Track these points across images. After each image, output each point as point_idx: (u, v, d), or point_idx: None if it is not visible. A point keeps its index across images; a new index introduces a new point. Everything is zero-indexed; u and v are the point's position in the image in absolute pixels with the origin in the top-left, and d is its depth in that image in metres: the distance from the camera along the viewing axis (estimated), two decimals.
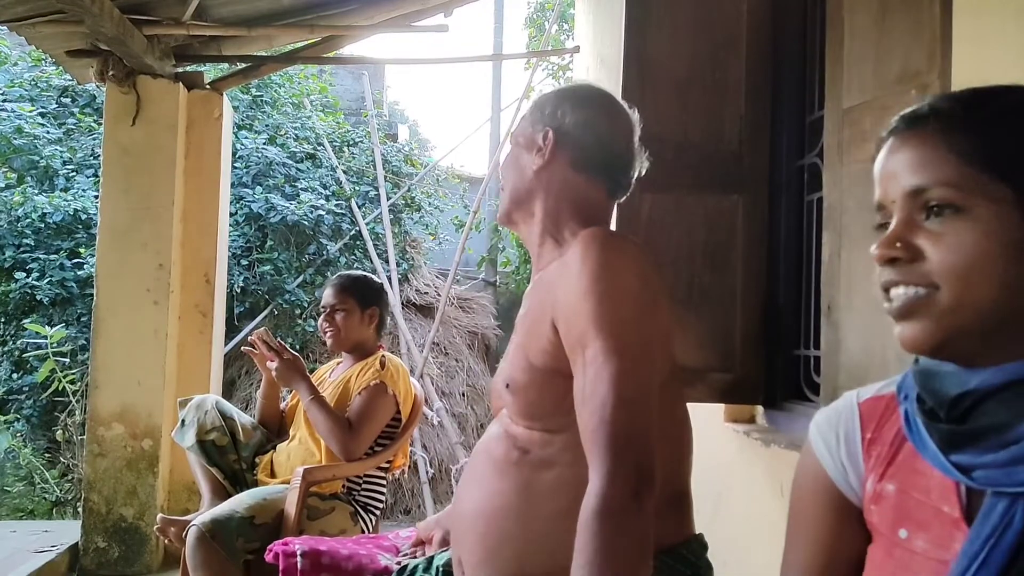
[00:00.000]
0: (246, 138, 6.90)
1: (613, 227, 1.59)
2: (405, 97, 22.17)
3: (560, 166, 1.38)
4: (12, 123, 6.38)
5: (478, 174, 9.17)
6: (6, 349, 6.20)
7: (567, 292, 1.21)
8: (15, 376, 6.08)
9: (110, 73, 3.86)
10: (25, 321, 5.85)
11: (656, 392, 1.17)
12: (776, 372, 2.50)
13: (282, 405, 3.07)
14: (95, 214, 5.63)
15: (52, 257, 6.13)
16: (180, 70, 4.16)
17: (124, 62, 3.85)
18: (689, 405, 1.41)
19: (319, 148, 7.45)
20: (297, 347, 6.28)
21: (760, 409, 2.61)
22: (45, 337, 5.26)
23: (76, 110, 6.93)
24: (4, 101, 6.57)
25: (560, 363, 1.23)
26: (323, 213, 6.78)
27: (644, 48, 2.45)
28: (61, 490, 5.44)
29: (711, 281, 2.45)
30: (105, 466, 3.86)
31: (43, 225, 6.19)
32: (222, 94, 4.28)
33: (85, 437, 4.04)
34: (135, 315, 3.90)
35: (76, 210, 6.21)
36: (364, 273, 3.06)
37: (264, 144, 7.00)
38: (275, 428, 3.01)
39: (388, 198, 7.32)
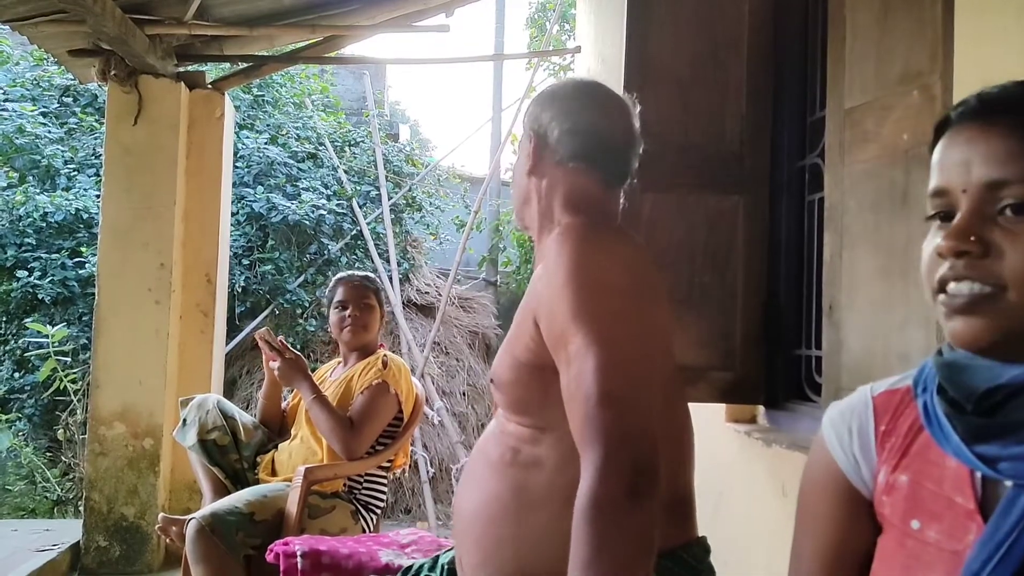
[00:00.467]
0: (247, 138, 6.90)
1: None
2: (406, 97, 22.17)
3: (547, 165, 1.38)
4: (14, 123, 6.38)
5: (479, 174, 9.18)
6: (8, 348, 6.21)
7: (546, 287, 1.20)
8: (16, 375, 6.09)
9: (112, 73, 3.87)
10: (27, 320, 5.85)
11: (655, 384, 1.14)
12: (777, 372, 2.49)
13: (283, 404, 3.07)
14: (96, 213, 5.63)
15: (54, 256, 6.13)
16: (182, 70, 4.17)
17: (126, 62, 3.85)
18: (690, 405, 1.40)
19: (320, 148, 7.46)
20: (298, 347, 6.29)
21: (761, 409, 2.61)
22: (46, 336, 5.26)
23: (78, 110, 6.93)
24: (6, 100, 6.57)
25: (542, 358, 1.21)
26: (324, 213, 6.78)
27: (645, 48, 2.45)
28: (62, 489, 5.44)
29: (712, 281, 2.44)
30: (106, 465, 3.87)
31: (44, 224, 6.19)
32: (224, 94, 4.28)
33: (86, 436, 4.05)
34: (136, 314, 3.90)
35: (78, 209, 6.22)
36: (370, 274, 3.08)
37: (265, 144, 7.01)
38: (276, 427, 3.01)
39: (389, 198, 7.32)
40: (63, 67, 4.65)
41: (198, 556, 2.41)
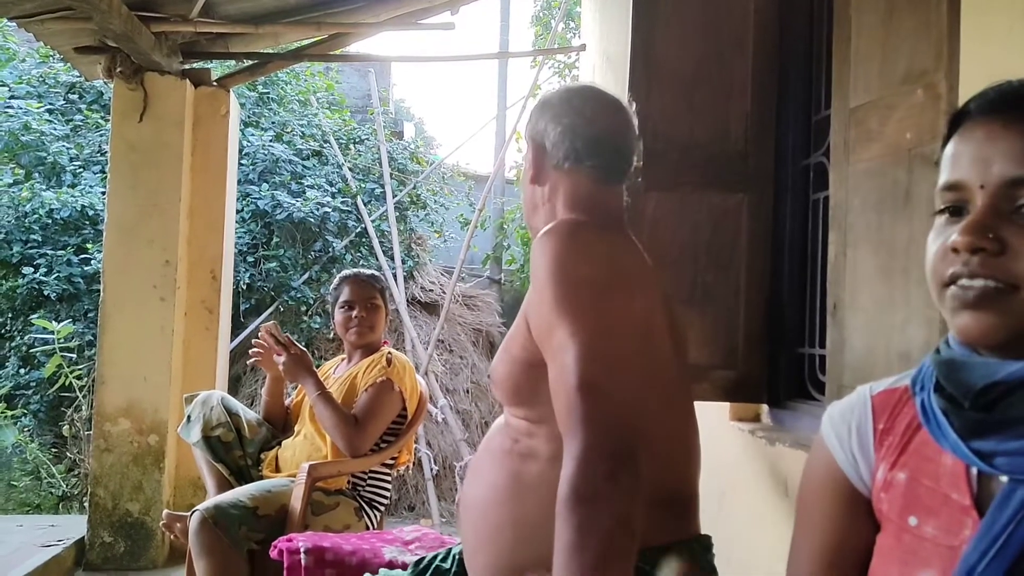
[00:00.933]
0: (252, 135, 6.91)
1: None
2: (411, 95, 22.17)
3: (547, 170, 1.41)
4: (20, 119, 6.40)
5: (483, 172, 9.17)
6: (13, 344, 6.23)
7: (533, 286, 1.24)
8: (22, 371, 6.11)
9: (118, 70, 3.88)
10: (32, 317, 5.87)
11: (635, 373, 1.15)
12: (780, 371, 2.50)
13: (287, 401, 3.08)
14: (102, 210, 5.65)
15: (59, 253, 6.15)
16: (187, 67, 4.18)
17: (132, 59, 3.86)
18: (695, 404, 1.41)
19: (325, 145, 7.46)
20: (303, 344, 6.30)
21: (765, 408, 2.61)
22: (52, 333, 5.28)
23: (83, 106, 6.95)
24: (11, 98, 6.59)
25: (533, 355, 1.24)
26: (329, 210, 6.79)
27: (651, 47, 2.45)
28: (67, 485, 5.46)
29: (715, 279, 2.45)
30: (111, 461, 3.88)
31: (50, 221, 6.21)
32: (229, 91, 4.29)
33: (91, 432, 4.06)
34: (141, 311, 3.92)
35: (83, 206, 6.23)
36: (376, 273, 3.09)
37: (270, 141, 7.02)
38: (280, 424, 3.02)
39: (394, 195, 7.33)
40: (69, 64, 4.67)
41: (201, 548, 2.42)
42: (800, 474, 0.98)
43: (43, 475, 5.46)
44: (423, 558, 1.58)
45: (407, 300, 7.02)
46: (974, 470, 0.79)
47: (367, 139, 7.76)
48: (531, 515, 1.25)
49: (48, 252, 6.16)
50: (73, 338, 5.53)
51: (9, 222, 6.23)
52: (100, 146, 6.68)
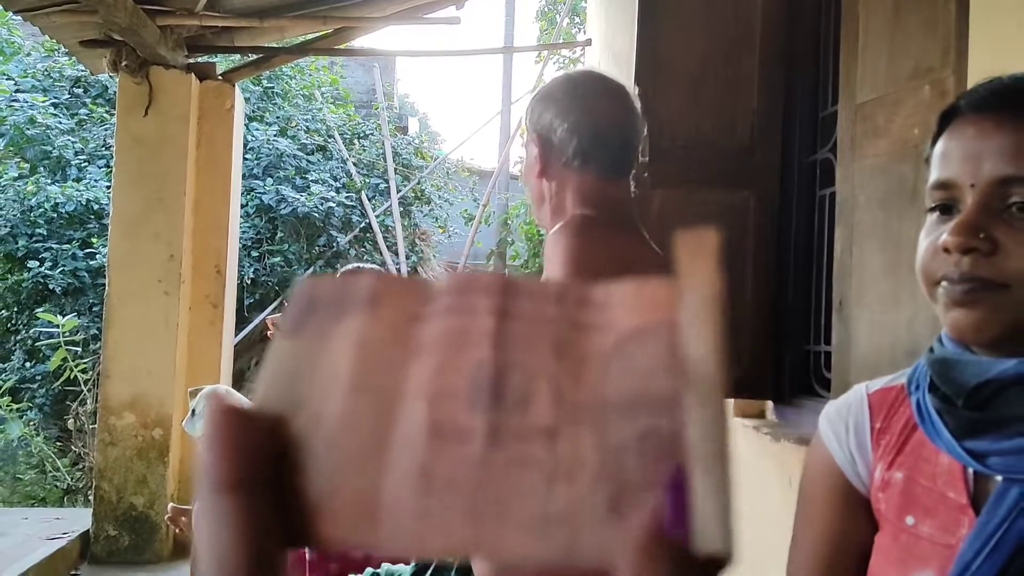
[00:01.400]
0: (257, 129, 6.92)
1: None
2: (416, 90, 22.17)
3: (552, 166, 1.40)
4: (25, 113, 6.41)
5: (488, 167, 9.18)
6: (19, 338, 6.24)
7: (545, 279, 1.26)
8: (28, 365, 6.13)
9: (123, 63, 3.88)
10: (37, 310, 5.88)
11: None
12: (785, 367, 2.49)
13: None
14: (107, 204, 5.65)
15: (64, 247, 6.17)
16: (192, 61, 4.18)
17: (137, 52, 3.86)
18: None
19: (330, 140, 7.47)
20: None
21: (770, 404, 2.60)
22: (57, 326, 5.29)
23: (88, 101, 6.96)
24: (17, 91, 6.60)
25: None
26: (333, 205, 6.79)
27: (656, 43, 2.44)
28: (72, 478, 5.47)
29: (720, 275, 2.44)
30: (116, 455, 3.89)
31: (56, 215, 6.22)
32: (234, 85, 4.29)
33: (96, 426, 4.07)
34: (146, 305, 3.92)
35: (88, 200, 6.25)
36: (367, 266, 3.06)
37: (275, 136, 7.02)
38: None
39: (398, 190, 7.33)
40: (74, 58, 4.67)
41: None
42: (802, 469, 0.98)
43: (48, 468, 5.48)
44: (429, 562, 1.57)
45: None
46: (971, 469, 0.79)
47: (371, 134, 7.77)
48: None
49: (53, 246, 6.17)
50: (78, 332, 5.54)
51: (15, 216, 6.24)
52: (105, 140, 6.68)
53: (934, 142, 0.83)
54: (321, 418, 0.28)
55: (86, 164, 6.65)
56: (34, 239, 6.22)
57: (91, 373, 5.38)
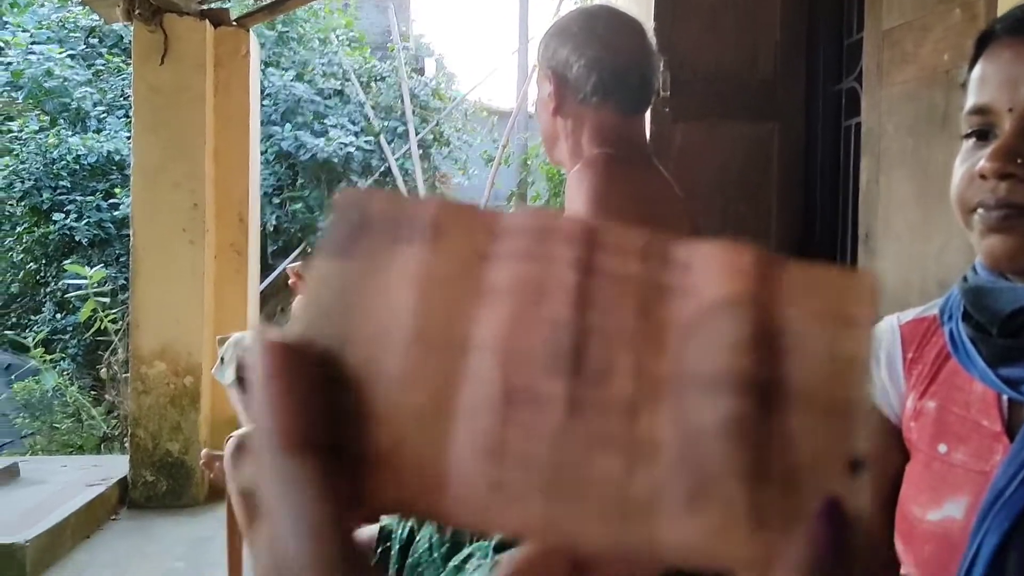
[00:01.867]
0: (273, 75, 6.87)
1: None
2: (431, 30, 21.85)
3: (569, 103, 1.37)
4: (42, 66, 6.39)
5: (506, 107, 9.07)
6: (48, 290, 6.34)
7: None
8: (58, 316, 6.23)
9: (136, 12, 3.84)
10: (65, 262, 5.96)
11: None
12: None
13: None
14: (128, 155, 5.66)
15: (88, 199, 6.21)
16: (206, 7, 4.13)
17: (150, 0, 3.82)
18: None
19: (346, 84, 7.41)
20: None
21: None
22: (85, 278, 5.35)
23: (104, 51, 6.94)
24: (33, 43, 6.58)
25: None
26: (352, 150, 6.77)
27: None
28: (108, 426, 5.60)
29: (746, 211, 2.42)
30: (149, 403, 3.97)
31: (78, 167, 6.26)
32: (248, 31, 4.24)
33: (129, 375, 4.15)
34: (172, 255, 3.95)
35: (109, 151, 6.27)
36: None
37: (292, 81, 6.97)
38: None
39: (416, 133, 7.28)
40: (87, 7, 4.63)
41: (236, 473, 2.47)
42: None
43: (83, 417, 5.60)
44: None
45: None
46: (1005, 397, 0.78)
47: (388, 76, 7.69)
48: None
49: (77, 198, 6.22)
50: (106, 282, 5.61)
51: (38, 169, 6.28)
52: (123, 90, 6.67)
53: (970, 67, 0.80)
54: (377, 362, 0.25)
55: (105, 115, 6.65)
56: (58, 192, 6.27)
57: (121, 323, 5.46)
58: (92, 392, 5.89)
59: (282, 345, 0.23)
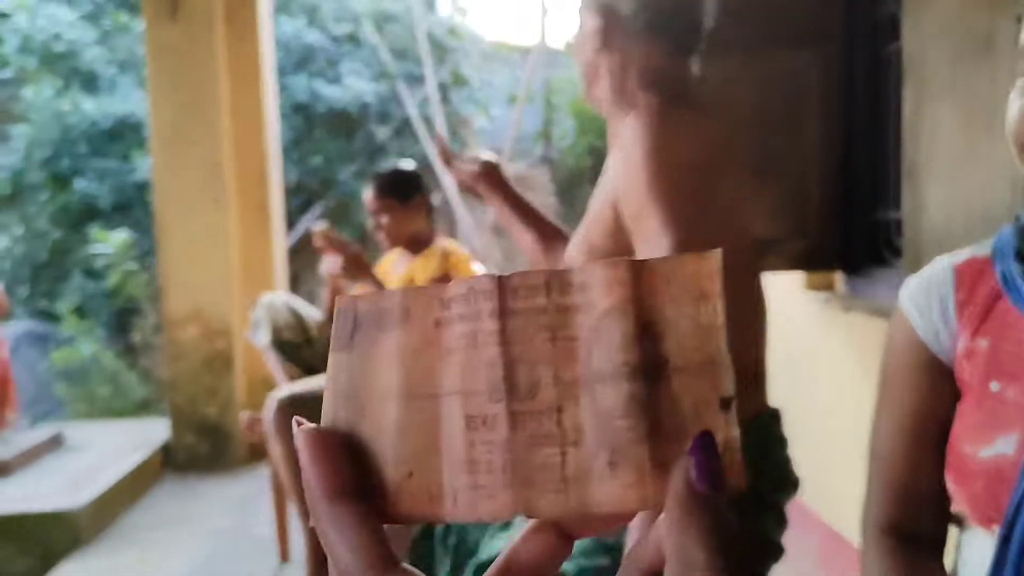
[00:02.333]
0: (284, 23, 6.75)
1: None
2: None
3: (618, 40, 1.31)
4: (51, 29, 6.33)
5: (527, 43, 8.86)
6: (75, 258, 6.38)
7: (624, 169, 1.19)
8: (88, 284, 6.28)
9: None
10: (89, 229, 5.98)
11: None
12: (855, 237, 2.41)
13: None
14: (143, 116, 5.63)
15: (107, 163, 6.20)
16: None
17: None
18: (768, 275, 1.37)
19: (359, 27, 7.26)
20: (356, 238, 6.32)
21: (840, 275, 2.54)
22: (111, 245, 5.37)
23: (111, 9, 6.84)
24: (40, 5, 6.50)
25: (622, 247, 1.21)
26: (369, 98, 6.67)
27: None
28: (145, 391, 5.68)
29: (784, 145, 2.34)
30: (184, 367, 3.99)
31: (94, 132, 6.23)
32: None
33: (162, 340, 4.17)
34: (195, 217, 3.93)
35: (124, 114, 6.23)
36: (396, 166, 2.92)
37: (304, 28, 6.85)
38: None
39: (434, 75, 7.14)
40: None
41: (277, 434, 2.49)
42: (877, 341, 0.98)
43: (121, 383, 5.68)
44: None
45: (457, 187, 6.96)
46: None
47: (402, 16, 7.52)
48: None
49: (96, 163, 6.21)
50: (131, 248, 5.63)
51: (55, 136, 6.26)
52: (131, 50, 6.60)
53: None
54: (384, 421, 0.34)
55: (117, 76, 6.60)
56: (77, 158, 6.26)
57: (149, 288, 5.49)
58: (126, 358, 5.96)
59: (315, 435, 0.34)
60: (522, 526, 0.35)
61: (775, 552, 1.31)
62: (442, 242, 2.82)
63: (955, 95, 1.81)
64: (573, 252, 1.34)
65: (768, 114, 2.32)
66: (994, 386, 0.83)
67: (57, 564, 3.01)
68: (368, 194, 2.78)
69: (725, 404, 0.31)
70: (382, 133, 6.84)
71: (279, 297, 2.96)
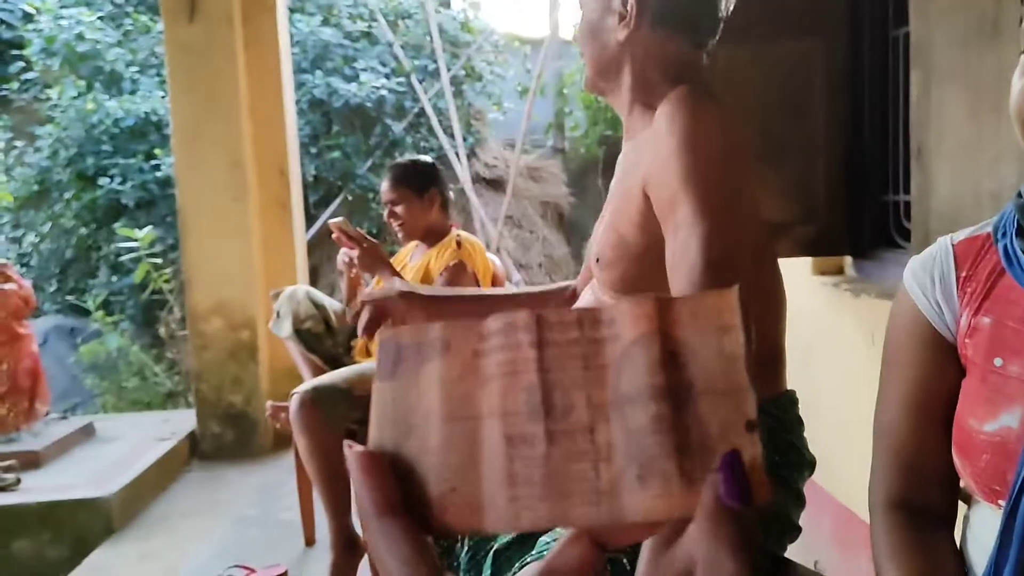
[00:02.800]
0: (300, 21, 6.82)
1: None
2: None
3: (643, 29, 1.28)
4: (73, 30, 6.43)
5: (537, 36, 8.89)
6: (101, 254, 6.49)
7: (657, 157, 1.17)
8: (113, 279, 6.38)
9: None
10: (115, 226, 6.08)
11: (746, 253, 1.15)
12: (863, 221, 2.43)
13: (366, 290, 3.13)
14: (165, 115, 5.71)
15: (131, 161, 6.29)
16: None
17: None
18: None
19: (374, 24, 7.32)
20: (373, 232, 6.38)
21: (848, 259, 2.56)
22: (136, 240, 5.46)
23: (131, 10, 6.93)
24: (62, 8, 6.60)
25: (651, 236, 1.20)
26: (385, 93, 6.73)
27: None
28: (172, 383, 5.77)
29: (791, 130, 2.36)
30: (209, 358, 4.08)
31: (118, 130, 6.32)
32: None
33: (187, 332, 4.26)
34: (217, 213, 4.01)
35: (146, 113, 6.32)
36: (413, 158, 2.97)
37: (319, 26, 6.92)
38: None
39: (448, 69, 7.19)
40: None
41: (302, 428, 2.54)
42: (886, 325, 0.99)
43: (148, 375, 5.78)
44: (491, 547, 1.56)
45: (471, 178, 7.00)
46: None
47: (415, 13, 7.58)
48: None
49: (120, 161, 6.31)
50: (156, 244, 5.72)
51: (80, 135, 6.36)
52: (152, 49, 6.69)
53: None
54: (428, 441, 0.37)
55: (139, 75, 6.69)
56: (101, 156, 6.36)
57: (174, 282, 5.58)
58: (153, 350, 6.06)
59: (365, 456, 0.36)
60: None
61: (792, 531, 1.33)
62: (457, 233, 2.86)
63: (962, 78, 1.83)
64: (603, 247, 1.31)
65: (776, 99, 2.34)
66: (997, 362, 0.84)
67: (90, 550, 3.09)
68: (384, 186, 2.83)
69: (750, 426, 0.34)
70: (398, 128, 6.90)
71: (300, 289, 3.02)
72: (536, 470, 0.35)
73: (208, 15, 3.95)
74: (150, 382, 5.73)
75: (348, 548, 2.57)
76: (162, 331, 5.84)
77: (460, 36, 7.69)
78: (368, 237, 2.81)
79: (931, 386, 0.92)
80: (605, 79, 1.34)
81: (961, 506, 0.96)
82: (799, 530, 1.34)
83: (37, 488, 3.34)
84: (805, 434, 1.36)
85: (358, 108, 6.63)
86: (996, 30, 1.70)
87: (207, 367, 4.08)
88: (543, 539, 1.21)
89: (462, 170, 6.82)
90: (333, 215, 6.05)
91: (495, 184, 7.32)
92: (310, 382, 2.65)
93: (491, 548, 1.23)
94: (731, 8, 1.33)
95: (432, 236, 2.85)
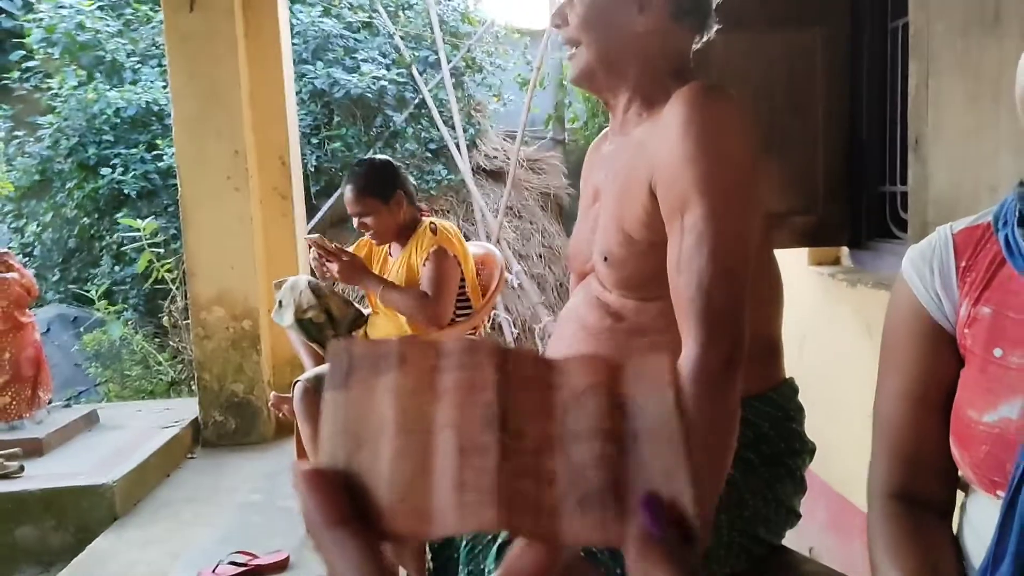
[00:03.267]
0: (301, 12, 6.81)
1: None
2: None
3: (664, 21, 1.25)
4: (73, 19, 6.42)
5: (538, 27, 8.87)
6: (104, 244, 6.50)
7: (668, 154, 1.14)
8: (116, 268, 6.39)
9: None
10: (117, 215, 6.09)
11: (753, 258, 1.14)
12: (861, 211, 2.45)
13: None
14: (166, 105, 5.72)
15: (132, 151, 6.30)
16: None
17: None
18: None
19: (374, 15, 7.31)
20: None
21: (845, 250, 2.58)
22: (139, 230, 5.47)
23: None
24: None
25: (659, 235, 1.18)
26: (385, 84, 6.73)
27: None
28: (175, 371, 5.79)
29: (791, 121, 2.37)
30: (212, 347, 4.10)
31: (119, 120, 6.33)
32: None
33: (190, 321, 4.27)
34: (219, 203, 4.02)
35: (147, 102, 6.32)
36: (370, 161, 2.88)
37: (320, 17, 6.91)
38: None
39: (448, 60, 7.19)
40: None
41: (305, 415, 2.56)
42: (883, 314, 0.99)
43: (151, 364, 5.80)
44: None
45: (472, 169, 7.00)
46: None
47: (415, 4, 7.57)
48: None
49: (122, 151, 6.31)
50: (159, 233, 5.74)
51: (81, 125, 6.37)
52: (153, 39, 6.69)
53: None
54: (380, 452, 0.38)
55: (139, 65, 6.69)
56: (103, 146, 6.36)
57: (176, 271, 5.60)
58: (156, 339, 6.08)
59: (312, 472, 0.37)
60: None
61: (792, 517, 1.34)
62: (429, 221, 2.85)
63: (961, 69, 1.84)
64: (610, 245, 1.27)
65: (774, 89, 2.35)
66: (997, 352, 0.84)
67: (93, 537, 3.12)
68: (348, 197, 2.78)
69: (688, 473, 0.37)
70: (399, 118, 6.90)
71: (301, 279, 3.03)
72: (485, 478, 0.36)
73: (209, 5, 3.96)
74: (153, 370, 5.75)
75: None
76: (165, 320, 5.86)
77: (461, 27, 7.69)
78: (346, 251, 2.79)
79: (930, 376, 0.92)
80: (608, 70, 1.28)
81: (958, 495, 0.96)
82: (799, 516, 1.36)
83: (40, 475, 3.36)
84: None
85: (359, 99, 6.64)
86: (997, 19, 1.71)
87: (209, 356, 4.10)
88: None
89: (462, 161, 6.82)
90: (335, 205, 6.07)
91: (495, 175, 7.33)
92: (312, 371, 2.67)
93: (490, 542, 1.22)
94: None
95: (406, 232, 2.84)
